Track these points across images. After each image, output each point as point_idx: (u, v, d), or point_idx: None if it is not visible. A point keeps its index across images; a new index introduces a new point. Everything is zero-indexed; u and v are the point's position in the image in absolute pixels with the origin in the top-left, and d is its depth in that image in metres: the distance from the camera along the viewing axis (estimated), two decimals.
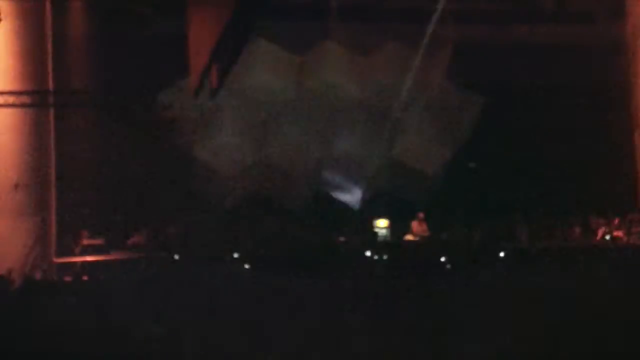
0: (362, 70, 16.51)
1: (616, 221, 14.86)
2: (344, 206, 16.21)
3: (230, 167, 16.08)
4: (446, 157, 16.63)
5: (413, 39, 16.46)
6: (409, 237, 14.99)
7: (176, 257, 13.68)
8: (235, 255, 13.87)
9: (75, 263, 13.51)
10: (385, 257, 13.67)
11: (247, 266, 13.52)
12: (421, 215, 15.10)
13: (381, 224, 15.20)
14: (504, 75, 15.65)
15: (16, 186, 13.48)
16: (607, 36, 15.67)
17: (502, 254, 12.62)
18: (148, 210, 14.61)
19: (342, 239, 14.73)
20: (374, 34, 16.41)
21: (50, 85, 14.56)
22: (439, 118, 16.50)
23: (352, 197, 16.30)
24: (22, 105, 13.74)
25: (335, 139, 16.44)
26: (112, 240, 14.26)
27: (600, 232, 14.85)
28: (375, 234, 15.01)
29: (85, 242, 13.92)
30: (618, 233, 14.55)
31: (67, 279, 12.82)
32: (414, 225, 15.09)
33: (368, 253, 13.58)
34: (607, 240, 14.36)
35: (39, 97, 14.06)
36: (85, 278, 12.75)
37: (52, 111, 14.66)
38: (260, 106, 16.05)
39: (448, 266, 11.91)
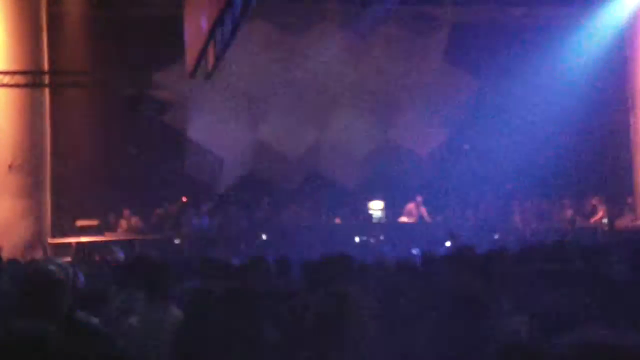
0: (359, 52, 16.46)
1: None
2: (339, 188, 16.19)
3: (225, 149, 16.05)
4: (442, 139, 16.63)
5: (410, 21, 16.43)
6: (402, 219, 14.99)
7: (177, 241, 13.63)
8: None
9: (69, 244, 13.51)
10: (381, 238, 13.68)
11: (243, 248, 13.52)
12: (419, 198, 15.09)
13: (376, 206, 15.21)
14: (502, 57, 15.62)
15: (10, 167, 13.42)
16: (604, 17, 15.63)
17: (496, 236, 12.63)
18: (143, 191, 14.58)
19: (337, 220, 14.74)
20: (372, 15, 16.36)
21: (46, 65, 14.48)
22: (435, 100, 16.47)
23: (347, 178, 16.28)
24: (17, 86, 13.65)
25: (330, 121, 16.41)
26: (106, 222, 14.25)
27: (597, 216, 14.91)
28: (370, 215, 15.02)
29: (80, 223, 13.91)
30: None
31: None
32: (409, 207, 15.10)
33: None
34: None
35: (34, 77, 13.97)
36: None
37: (47, 91, 14.59)
38: (254, 87, 15.97)
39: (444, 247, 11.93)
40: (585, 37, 15.53)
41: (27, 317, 3.71)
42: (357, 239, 10.17)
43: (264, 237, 11.92)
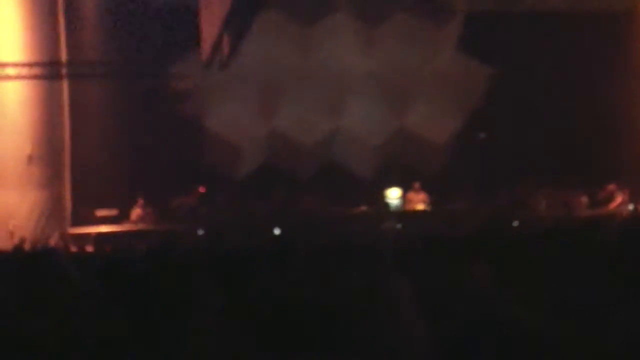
0: (372, 41, 16.47)
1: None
2: (356, 177, 16.23)
3: (241, 139, 16.13)
4: (457, 126, 16.63)
5: (424, 10, 16.43)
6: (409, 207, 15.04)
7: (200, 232, 13.70)
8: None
9: (89, 234, 13.65)
10: (399, 226, 13.69)
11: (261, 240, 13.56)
12: (417, 184, 15.16)
13: (393, 194, 15.23)
14: (515, 46, 15.59)
15: (30, 158, 13.56)
16: (621, 5, 15.56)
17: (515, 224, 12.61)
18: (160, 181, 14.68)
19: (358, 210, 14.78)
20: (384, 4, 16.38)
21: (64, 56, 14.60)
22: (449, 88, 16.46)
23: (362, 167, 16.32)
24: (36, 77, 13.78)
25: (345, 110, 16.45)
26: (125, 212, 14.38)
27: (616, 202, 14.84)
28: (388, 204, 15.05)
29: (99, 213, 14.04)
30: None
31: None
32: (410, 195, 15.16)
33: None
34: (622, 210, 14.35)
35: (52, 68, 14.10)
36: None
37: (65, 82, 14.71)
38: (269, 77, 16.02)
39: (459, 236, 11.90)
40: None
41: None
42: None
43: (276, 231, 11.97)
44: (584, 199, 15.07)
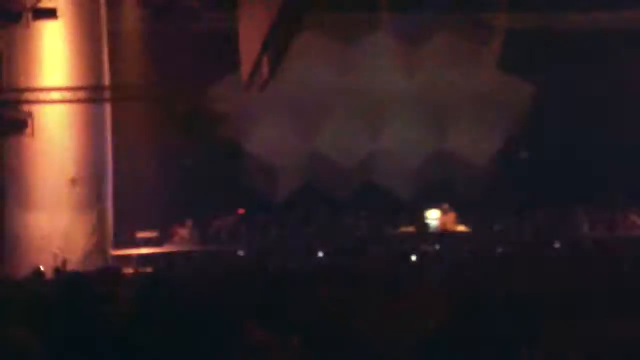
0: (413, 60, 16.44)
1: None
2: (396, 197, 16.16)
3: (280, 160, 16.18)
4: (498, 146, 16.49)
5: (464, 29, 16.37)
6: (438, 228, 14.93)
7: (240, 252, 13.74)
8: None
9: (131, 255, 13.79)
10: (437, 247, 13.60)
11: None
12: (445, 206, 15.04)
13: (432, 215, 15.14)
14: (558, 63, 15.44)
15: (73, 181, 13.76)
16: None
17: (557, 245, 12.44)
18: (200, 203, 14.78)
19: (398, 230, 14.71)
20: (424, 24, 16.35)
21: (106, 80, 14.82)
22: (490, 107, 16.34)
23: (402, 187, 16.25)
24: (79, 101, 14.01)
25: (385, 129, 16.42)
26: (165, 233, 14.50)
27: None
28: (427, 225, 14.96)
29: (140, 234, 14.18)
30: None
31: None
32: (440, 217, 15.04)
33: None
34: None
35: (95, 92, 14.31)
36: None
37: (108, 106, 14.93)
38: (309, 97, 16.08)
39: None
40: None
41: None
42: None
43: (320, 254, 11.96)
44: (633, 218, 14.80)
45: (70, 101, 13.91)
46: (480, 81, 16.54)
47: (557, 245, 11.84)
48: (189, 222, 14.71)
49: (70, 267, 12.47)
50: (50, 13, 13.44)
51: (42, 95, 13.65)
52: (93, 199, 14.07)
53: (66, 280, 7.41)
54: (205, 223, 15.04)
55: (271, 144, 16.09)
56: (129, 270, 11.97)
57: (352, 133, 16.31)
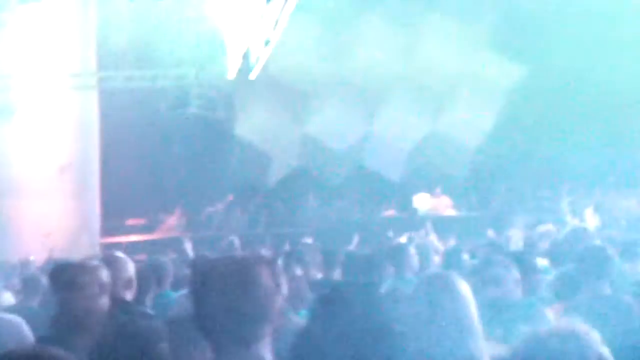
0: (405, 43, 16.34)
1: None
2: (387, 181, 16.11)
3: (271, 145, 16.10)
4: (491, 129, 16.44)
5: (457, 10, 16.27)
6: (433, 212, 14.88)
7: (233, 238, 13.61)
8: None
9: (120, 243, 13.70)
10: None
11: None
12: (438, 190, 15.00)
13: (422, 199, 15.09)
14: (550, 47, 15.36)
15: (62, 168, 13.65)
16: None
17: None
18: (191, 189, 14.70)
19: (386, 213, 14.67)
20: (417, 7, 16.25)
21: (94, 66, 14.67)
22: (483, 89, 16.27)
23: (394, 171, 16.19)
24: (66, 88, 13.87)
25: (377, 113, 16.35)
26: (156, 220, 14.42)
27: None
28: (416, 209, 14.92)
29: (130, 222, 14.09)
30: None
31: None
32: (432, 200, 15.00)
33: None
34: None
35: (82, 78, 14.17)
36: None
37: (96, 93, 14.79)
38: (300, 82, 15.98)
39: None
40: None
41: None
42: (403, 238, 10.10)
43: (309, 240, 11.88)
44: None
45: (57, 88, 13.76)
46: (473, 62, 16.43)
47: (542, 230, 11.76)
48: (178, 209, 14.62)
49: (59, 255, 12.39)
50: None
51: (29, 82, 13.51)
52: (82, 186, 13.97)
53: (55, 268, 7.34)
54: (196, 209, 14.96)
55: (262, 129, 15.99)
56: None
57: (344, 117, 16.22)
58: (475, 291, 3.53)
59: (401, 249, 6.62)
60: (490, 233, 11.60)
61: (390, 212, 14.94)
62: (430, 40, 16.24)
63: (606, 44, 15.27)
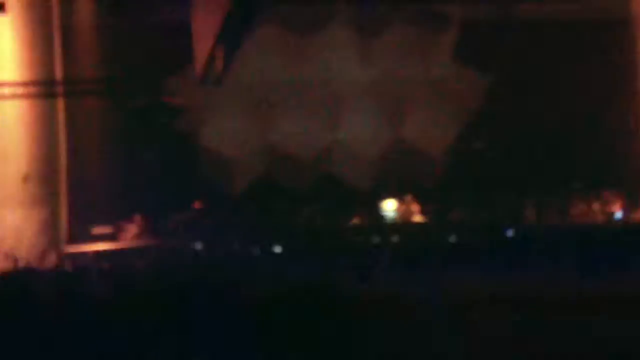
0: (369, 52, 16.48)
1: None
2: (352, 189, 16.20)
3: (237, 153, 16.13)
4: (453, 137, 16.61)
5: (420, 20, 16.45)
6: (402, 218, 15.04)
7: (198, 246, 13.68)
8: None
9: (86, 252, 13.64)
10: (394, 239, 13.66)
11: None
12: (405, 197, 15.15)
13: (389, 206, 15.21)
14: (510, 54, 15.58)
15: (26, 177, 13.58)
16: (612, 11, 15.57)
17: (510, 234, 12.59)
18: (157, 198, 14.68)
19: (352, 222, 14.75)
20: (380, 15, 16.40)
21: (59, 75, 14.63)
22: (446, 98, 16.45)
23: (359, 179, 16.29)
24: (31, 96, 13.82)
25: (342, 121, 16.45)
26: (122, 229, 14.37)
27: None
28: (383, 216, 15.03)
29: (95, 230, 14.03)
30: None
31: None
32: (402, 207, 15.14)
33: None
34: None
35: (47, 87, 14.13)
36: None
37: (61, 101, 14.74)
38: (265, 90, 16.06)
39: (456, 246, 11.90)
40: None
41: None
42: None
43: (276, 250, 11.95)
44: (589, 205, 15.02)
45: (22, 96, 13.70)
46: (436, 72, 16.62)
47: (510, 234, 11.98)
48: (138, 218, 14.60)
49: (23, 264, 12.32)
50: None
51: None
52: (46, 195, 13.90)
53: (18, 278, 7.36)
54: (162, 217, 14.94)
55: (227, 138, 16.02)
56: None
57: (309, 125, 16.30)
58: None
59: None
60: None
61: (357, 220, 15.03)
62: (391, 48, 16.40)
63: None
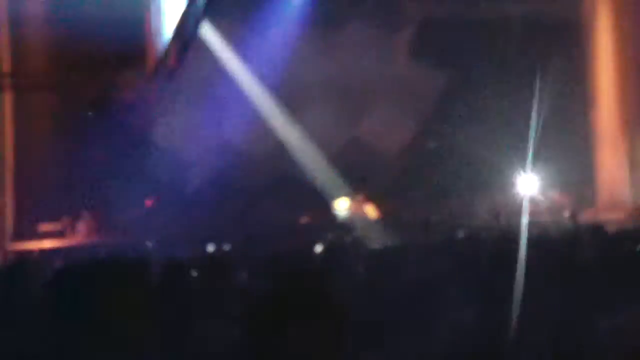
0: (325, 48, 16.40)
1: None
2: (306, 187, 16.12)
3: (190, 150, 15.93)
4: (409, 136, 16.62)
5: (378, 16, 16.42)
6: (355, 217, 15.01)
7: (149, 243, 13.44)
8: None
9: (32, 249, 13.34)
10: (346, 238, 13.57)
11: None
12: (359, 195, 15.15)
13: (342, 205, 15.17)
14: (467, 53, 15.62)
15: None
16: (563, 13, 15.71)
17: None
18: (107, 194, 14.44)
19: (303, 220, 14.68)
20: (337, 12, 16.33)
21: (6, 67, 14.32)
22: (402, 97, 16.44)
23: (314, 177, 16.22)
24: None
25: (297, 118, 16.35)
26: (70, 225, 14.11)
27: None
28: (336, 215, 14.98)
29: (42, 227, 13.75)
30: None
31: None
32: (354, 206, 15.13)
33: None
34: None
35: None
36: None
37: (8, 94, 14.42)
38: (218, 87, 15.90)
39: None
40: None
41: None
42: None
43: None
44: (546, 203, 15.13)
45: None
46: (393, 70, 16.59)
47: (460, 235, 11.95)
48: (86, 214, 14.34)
49: None
50: None
51: None
52: None
53: None
54: (112, 214, 14.69)
55: (180, 134, 15.82)
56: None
57: (264, 123, 16.18)
58: None
59: None
60: None
61: (309, 218, 14.97)
62: (349, 45, 16.34)
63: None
